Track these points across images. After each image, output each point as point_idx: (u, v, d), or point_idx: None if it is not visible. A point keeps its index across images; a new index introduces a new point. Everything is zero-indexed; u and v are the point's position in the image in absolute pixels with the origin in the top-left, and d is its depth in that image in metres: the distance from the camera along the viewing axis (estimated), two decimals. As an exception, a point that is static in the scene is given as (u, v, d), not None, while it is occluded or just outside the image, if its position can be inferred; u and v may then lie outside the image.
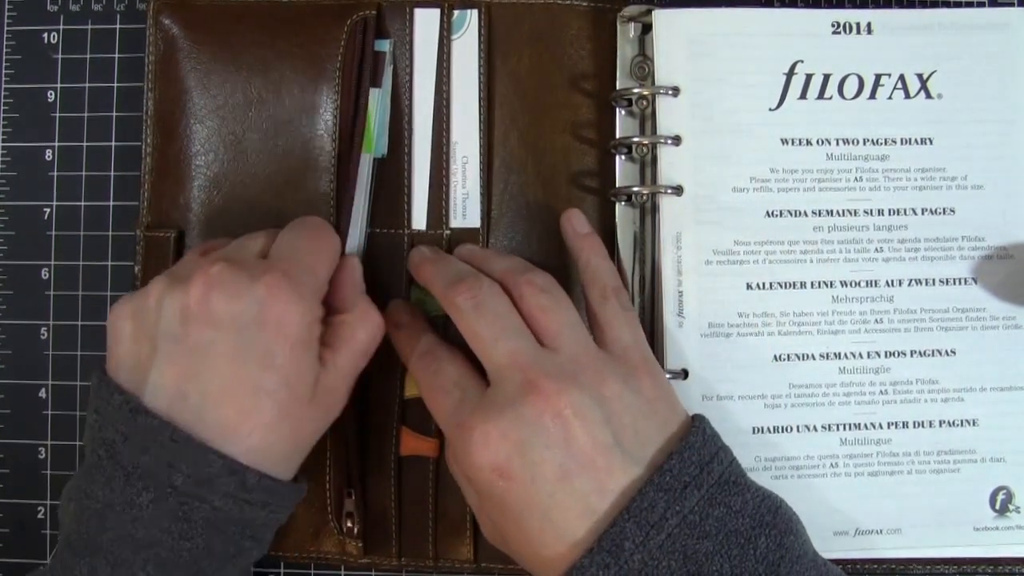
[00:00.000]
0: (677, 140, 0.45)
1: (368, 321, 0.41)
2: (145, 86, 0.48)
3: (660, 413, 0.38)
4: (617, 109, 0.47)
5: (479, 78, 0.47)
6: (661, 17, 0.46)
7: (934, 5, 0.49)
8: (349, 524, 0.45)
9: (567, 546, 0.35)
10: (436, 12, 0.47)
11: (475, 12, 0.47)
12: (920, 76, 0.46)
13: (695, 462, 0.36)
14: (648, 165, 0.46)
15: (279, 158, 0.47)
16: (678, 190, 0.45)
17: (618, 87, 0.47)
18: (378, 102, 0.45)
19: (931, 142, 0.46)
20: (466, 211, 0.47)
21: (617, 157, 0.47)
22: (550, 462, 0.36)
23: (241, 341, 0.36)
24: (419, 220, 0.47)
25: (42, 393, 0.50)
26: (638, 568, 0.34)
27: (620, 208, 0.46)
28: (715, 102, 0.46)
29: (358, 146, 0.45)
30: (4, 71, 0.51)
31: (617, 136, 0.47)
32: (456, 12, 0.47)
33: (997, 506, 0.45)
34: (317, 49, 0.47)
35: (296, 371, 0.37)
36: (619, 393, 0.37)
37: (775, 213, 0.45)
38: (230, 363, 0.36)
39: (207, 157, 0.47)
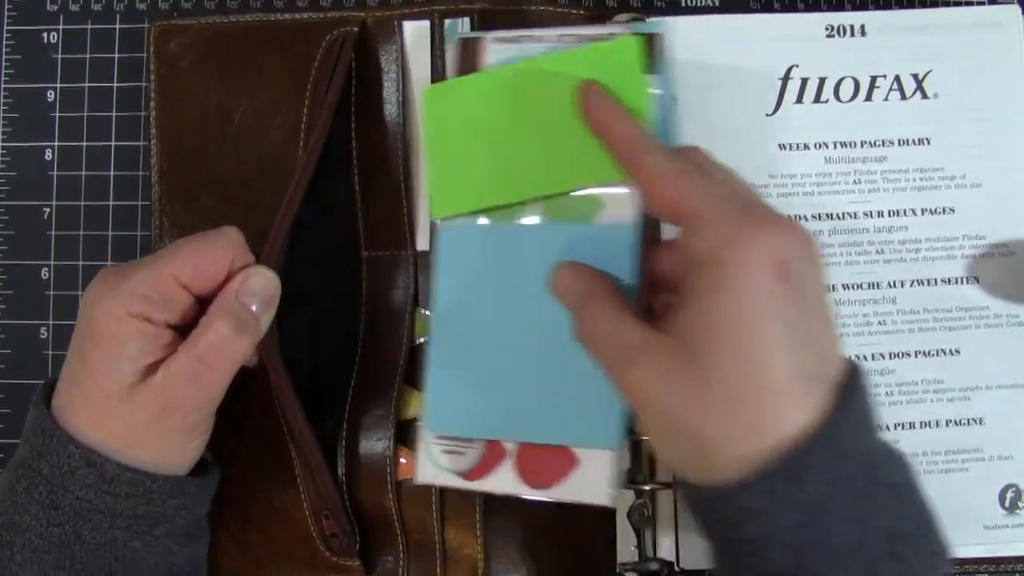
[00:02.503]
0: (675, 148, 0.45)
1: (210, 329, 0.37)
2: (149, 113, 0.48)
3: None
4: (613, 118, 0.47)
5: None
6: (656, 26, 0.46)
7: (929, 5, 0.50)
8: (336, 544, 0.45)
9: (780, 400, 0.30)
10: (426, 24, 0.47)
11: (467, 20, 0.47)
12: (916, 76, 0.46)
13: (868, 403, 0.33)
14: (647, 174, 0.46)
15: (273, 180, 0.46)
16: (678, 198, 0.45)
17: (614, 96, 0.47)
18: (657, 87, 0.39)
19: (929, 142, 0.46)
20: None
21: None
22: (815, 291, 0.32)
23: (74, 336, 0.38)
24: (423, 240, 0.47)
25: (42, 393, 0.50)
26: (813, 505, 0.30)
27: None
28: (711, 109, 0.46)
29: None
30: (4, 71, 0.51)
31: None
32: (447, 21, 0.47)
33: (1007, 504, 0.45)
34: (298, 68, 0.47)
35: (102, 366, 0.37)
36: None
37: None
38: (69, 357, 0.38)
39: (206, 178, 0.47)
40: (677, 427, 0.32)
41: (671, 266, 0.38)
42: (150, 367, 0.37)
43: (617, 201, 0.39)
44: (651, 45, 0.39)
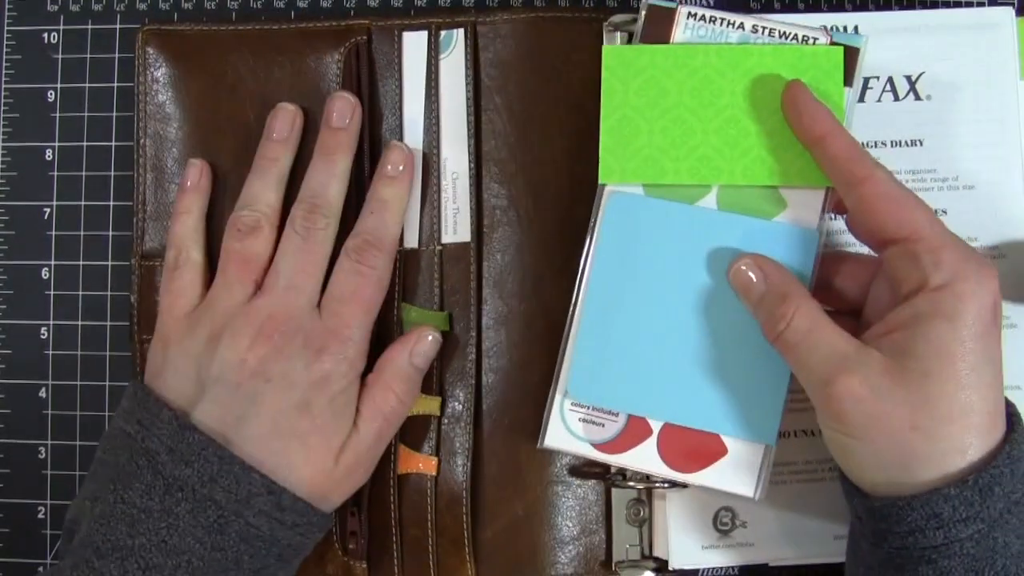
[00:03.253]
0: (668, 150, 0.45)
1: (391, 394, 0.42)
2: (135, 116, 0.48)
3: None
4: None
5: (467, 95, 0.47)
6: (648, 27, 0.46)
7: (928, 6, 0.50)
8: (352, 545, 0.45)
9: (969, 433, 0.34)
10: (423, 34, 0.48)
11: (461, 31, 0.47)
12: (909, 78, 0.46)
13: None
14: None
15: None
16: (671, 200, 0.45)
17: (607, 98, 0.47)
18: (849, 100, 0.41)
19: (921, 144, 0.46)
20: (457, 227, 0.47)
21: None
22: (1000, 331, 0.36)
23: (286, 392, 0.40)
24: (411, 239, 0.47)
25: (42, 393, 0.50)
26: (995, 518, 0.34)
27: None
28: (705, 111, 0.46)
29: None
30: (4, 71, 0.52)
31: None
32: (443, 32, 0.48)
33: (997, 505, 0.45)
34: (310, 78, 0.47)
35: (329, 421, 0.40)
36: None
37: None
38: (273, 410, 0.40)
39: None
40: (883, 438, 0.35)
41: (848, 280, 0.41)
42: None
43: (801, 203, 0.41)
44: (850, 58, 0.41)
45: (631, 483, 0.45)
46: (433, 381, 0.46)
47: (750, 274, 0.39)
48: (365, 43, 0.47)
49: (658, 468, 0.41)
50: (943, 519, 0.33)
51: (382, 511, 0.46)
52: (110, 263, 0.51)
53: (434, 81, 0.47)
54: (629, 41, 0.47)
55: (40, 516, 0.50)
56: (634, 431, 0.41)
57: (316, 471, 0.40)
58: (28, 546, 0.50)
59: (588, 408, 0.41)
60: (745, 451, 0.40)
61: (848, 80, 0.41)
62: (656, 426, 0.41)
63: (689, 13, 0.42)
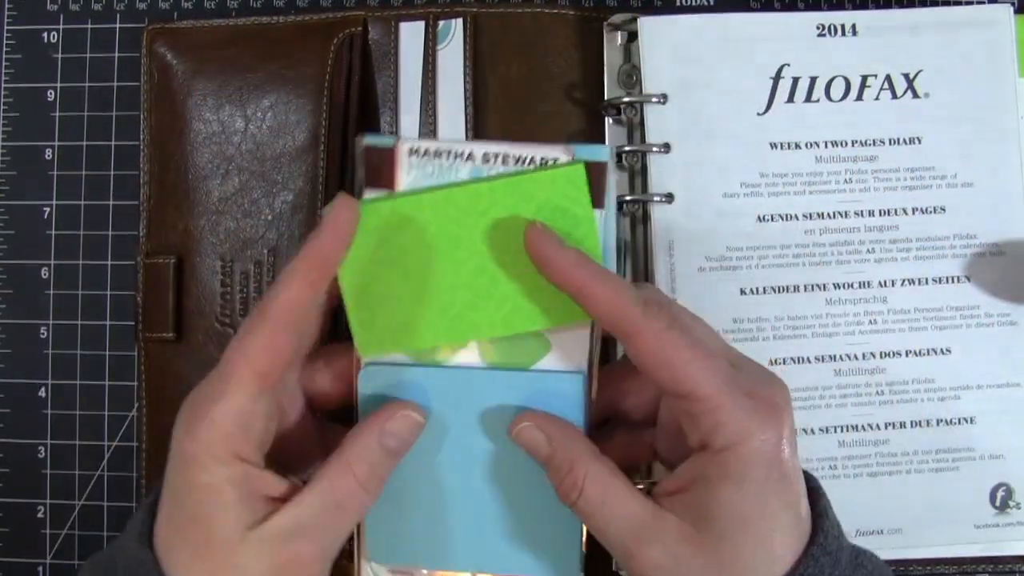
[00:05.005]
0: (667, 148, 0.45)
1: (348, 474, 0.35)
2: (141, 114, 0.48)
3: None
4: (606, 118, 0.47)
5: (464, 86, 0.47)
6: (646, 25, 0.46)
7: (920, 4, 0.50)
8: (349, 547, 0.45)
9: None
10: (421, 24, 0.48)
11: (459, 22, 0.47)
12: (907, 76, 0.46)
13: (837, 525, 0.35)
14: (638, 174, 0.46)
15: (272, 183, 0.47)
16: (669, 198, 0.45)
17: (606, 96, 0.47)
18: (602, 225, 0.36)
19: (920, 141, 0.46)
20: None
21: (607, 166, 0.47)
22: (797, 450, 0.34)
23: (167, 473, 0.34)
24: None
25: (42, 393, 0.50)
26: None
27: (612, 217, 0.46)
28: (703, 109, 0.46)
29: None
30: (4, 71, 0.52)
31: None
32: (441, 23, 0.48)
33: (997, 503, 0.45)
34: (304, 70, 0.47)
35: (203, 516, 0.34)
36: None
37: (766, 218, 0.45)
38: (164, 497, 0.35)
39: (204, 183, 0.47)
40: None
41: (635, 399, 0.38)
42: (259, 513, 0.34)
43: (566, 342, 0.37)
44: (596, 174, 0.35)
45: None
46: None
47: (534, 435, 0.36)
48: (360, 34, 0.47)
49: None
50: None
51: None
52: (110, 263, 0.51)
53: (431, 73, 0.47)
54: (630, 42, 0.47)
55: (40, 515, 0.50)
56: None
57: (207, 569, 0.34)
58: (28, 546, 0.50)
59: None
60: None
61: (596, 201, 0.35)
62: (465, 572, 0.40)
63: (411, 150, 0.37)
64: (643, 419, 0.38)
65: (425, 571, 0.40)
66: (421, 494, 0.39)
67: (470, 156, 0.36)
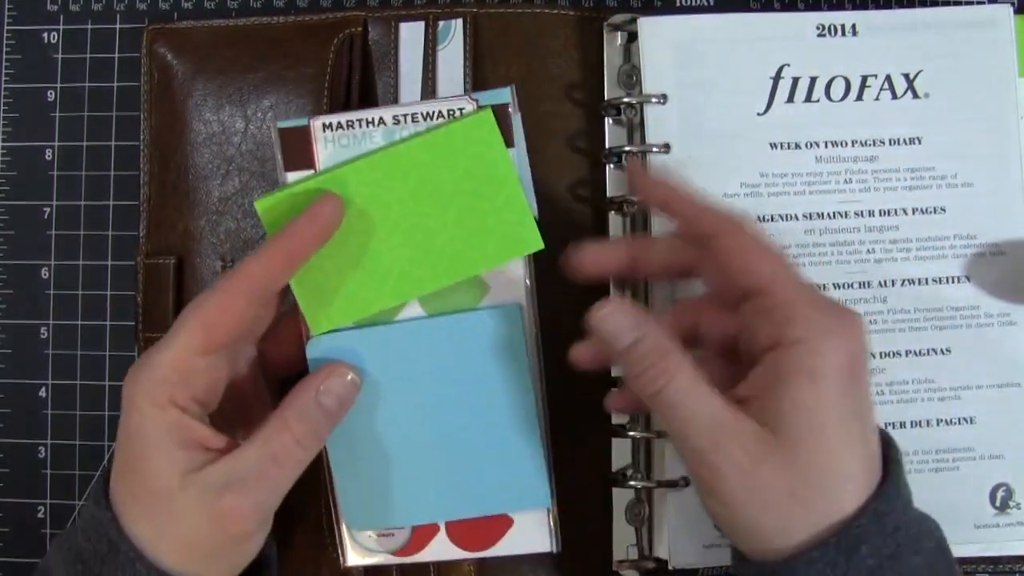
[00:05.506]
0: (666, 148, 0.45)
1: (286, 431, 0.36)
2: (141, 115, 0.48)
3: None
4: (606, 118, 0.47)
5: (464, 87, 0.47)
6: (646, 25, 0.46)
7: (921, 4, 0.50)
8: None
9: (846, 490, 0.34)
10: (421, 24, 0.48)
11: (459, 22, 0.47)
12: (907, 76, 0.46)
13: (905, 476, 0.35)
14: (638, 173, 0.46)
15: (272, 183, 0.47)
16: (669, 197, 0.45)
17: (606, 96, 0.47)
18: (516, 162, 0.39)
19: (920, 141, 0.46)
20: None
21: (607, 166, 0.47)
22: (868, 380, 0.35)
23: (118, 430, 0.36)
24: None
25: (42, 393, 0.51)
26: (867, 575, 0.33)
27: (612, 217, 0.46)
28: (703, 109, 0.46)
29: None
30: (4, 71, 0.52)
31: (607, 145, 0.47)
32: (441, 23, 0.48)
33: (997, 503, 0.45)
34: (304, 70, 0.47)
35: (142, 465, 0.35)
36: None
37: (766, 218, 0.45)
38: (114, 451, 0.36)
39: (205, 183, 0.47)
40: (763, 507, 0.34)
41: (713, 326, 0.39)
42: (196, 462, 0.35)
43: (502, 283, 0.39)
44: (502, 116, 0.38)
45: (631, 483, 0.45)
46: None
47: (620, 320, 0.36)
48: (360, 34, 0.47)
49: (456, 554, 0.42)
50: None
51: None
52: (110, 263, 0.51)
53: (431, 73, 0.47)
54: (630, 42, 0.47)
55: (40, 516, 0.50)
56: (422, 531, 0.42)
57: (152, 519, 0.35)
58: (27, 546, 0.50)
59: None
60: (530, 516, 0.41)
61: (508, 140, 0.38)
62: (441, 521, 0.42)
63: (324, 125, 0.38)
64: (722, 343, 0.38)
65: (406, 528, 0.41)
66: (386, 454, 0.40)
67: (381, 121, 0.38)
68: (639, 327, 0.35)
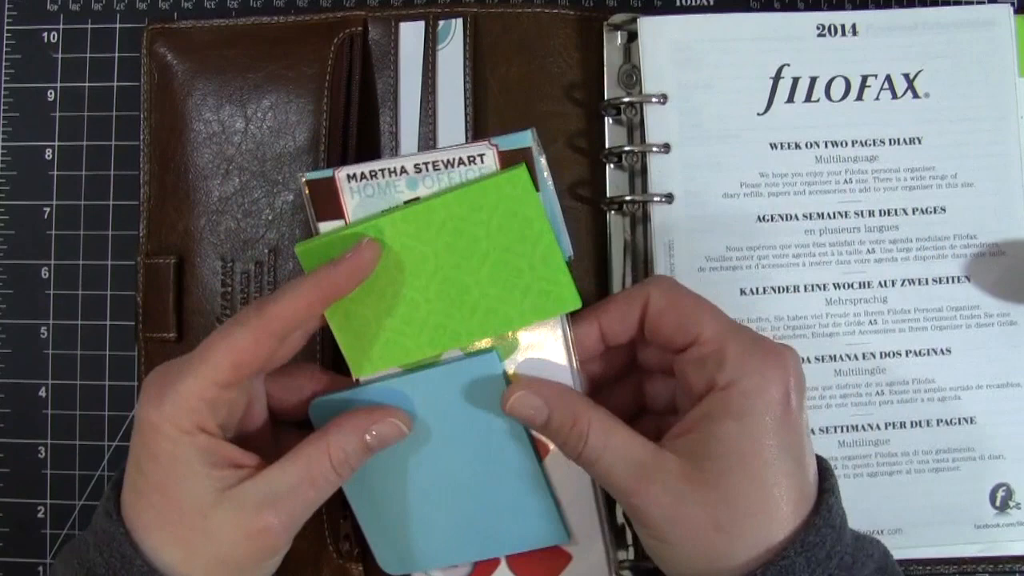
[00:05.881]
0: (666, 148, 0.45)
1: (332, 446, 0.36)
2: (141, 115, 0.48)
3: None
4: (606, 118, 0.47)
5: (464, 86, 0.47)
6: (646, 25, 0.46)
7: (920, 4, 0.50)
8: (347, 546, 0.45)
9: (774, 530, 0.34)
10: (421, 24, 0.48)
11: (459, 21, 0.47)
12: (907, 76, 0.46)
13: (840, 503, 0.36)
14: (638, 174, 0.46)
15: (272, 183, 0.47)
16: (669, 198, 0.45)
17: (606, 96, 0.47)
18: (546, 204, 0.38)
19: (920, 141, 0.46)
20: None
21: (607, 166, 0.47)
22: (804, 414, 0.35)
23: (131, 448, 0.36)
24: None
25: (42, 393, 0.51)
26: None
27: (612, 217, 0.46)
28: (703, 109, 0.46)
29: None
30: (4, 71, 0.52)
31: (607, 145, 0.47)
32: (441, 23, 0.48)
33: (997, 503, 0.45)
34: (304, 70, 0.47)
35: (172, 486, 0.35)
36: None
37: (766, 218, 0.45)
38: (130, 470, 0.36)
39: (205, 183, 0.47)
40: (689, 540, 0.34)
41: (615, 326, 0.39)
42: (229, 480, 0.35)
43: (535, 339, 0.39)
44: (527, 161, 0.38)
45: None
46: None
47: (530, 401, 0.37)
48: (359, 34, 0.47)
49: None
50: None
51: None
52: (110, 263, 0.51)
53: (431, 73, 0.47)
54: (630, 42, 0.47)
55: (40, 515, 0.50)
56: (482, 566, 0.42)
57: (176, 537, 0.36)
58: (28, 546, 0.50)
59: None
60: (588, 551, 0.41)
61: (535, 183, 0.38)
62: (502, 555, 0.42)
63: (348, 176, 0.38)
64: (624, 338, 0.39)
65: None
66: (405, 499, 0.40)
67: (403, 170, 0.38)
68: (546, 404, 0.37)
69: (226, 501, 0.35)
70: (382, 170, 0.38)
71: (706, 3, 0.51)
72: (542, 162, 0.38)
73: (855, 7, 0.51)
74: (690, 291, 0.37)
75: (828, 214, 0.46)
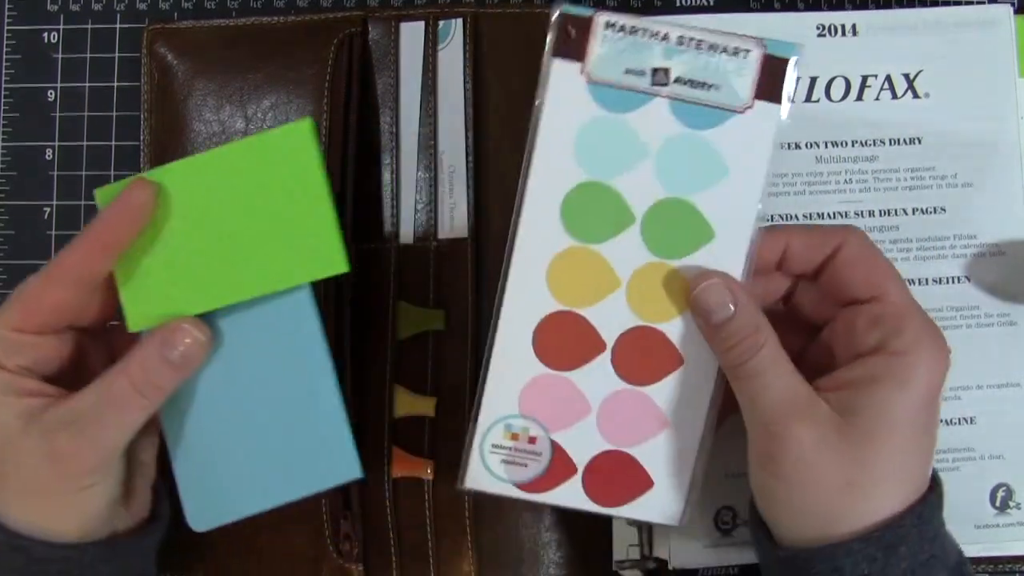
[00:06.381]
0: (666, 147, 0.45)
1: (122, 375, 0.36)
2: (141, 115, 0.48)
3: None
4: (606, 118, 0.47)
5: (464, 86, 0.47)
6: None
7: (921, 4, 0.50)
8: (347, 547, 0.45)
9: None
10: (421, 24, 0.48)
11: (459, 22, 0.48)
12: (907, 76, 0.46)
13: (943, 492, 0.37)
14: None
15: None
16: (668, 197, 0.45)
17: (606, 96, 0.47)
18: (776, 123, 0.37)
19: (920, 141, 0.46)
20: (454, 222, 0.47)
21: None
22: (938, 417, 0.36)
23: None
24: (407, 234, 0.47)
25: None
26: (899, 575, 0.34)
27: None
28: (703, 108, 0.46)
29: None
30: (4, 71, 0.52)
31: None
32: (441, 23, 0.48)
33: (997, 503, 0.45)
34: (304, 70, 0.47)
35: None
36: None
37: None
38: None
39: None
40: (817, 489, 0.35)
41: (812, 305, 0.39)
42: (36, 408, 0.36)
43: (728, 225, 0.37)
44: (775, 68, 0.36)
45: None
46: (427, 380, 0.46)
47: (718, 296, 0.36)
48: (359, 35, 0.47)
49: (585, 504, 0.39)
50: (844, 573, 0.34)
51: (378, 514, 0.46)
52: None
53: (431, 73, 0.47)
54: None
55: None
56: (558, 469, 0.39)
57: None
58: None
59: (510, 449, 0.39)
60: (671, 483, 0.39)
61: (773, 95, 0.36)
62: (581, 464, 0.39)
63: (607, 23, 0.37)
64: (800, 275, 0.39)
65: (543, 453, 0.39)
66: (214, 444, 0.39)
67: (666, 37, 0.36)
68: (735, 303, 0.36)
69: (31, 427, 0.35)
70: (644, 29, 0.36)
71: (706, 3, 0.51)
72: (792, 78, 0.36)
73: (855, 7, 0.51)
74: (875, 246, 0.37)
75: (828, 214, 0.46)
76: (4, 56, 0.52)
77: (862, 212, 0.46)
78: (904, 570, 0.34)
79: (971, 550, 0.45)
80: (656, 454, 0.39)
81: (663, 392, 0.38)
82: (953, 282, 0.46)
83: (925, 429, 0.35)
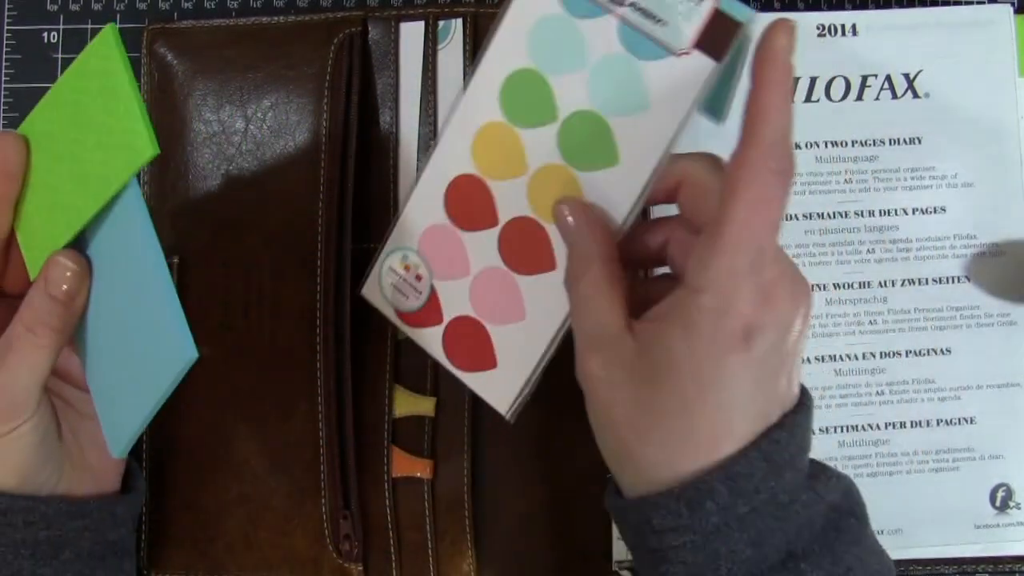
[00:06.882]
0: (666, 148, 0.45)
1: (18, 322, 0.37)
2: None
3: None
4: (606, 118, 0.47)
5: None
6: (646, 25, 0.46)
7: (920, 4, 0.50)
8: (347, 547, 0.45)
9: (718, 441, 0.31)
10: (421, 24, 0.48)
11: (459, 22, 0.47)
12: (907, 76, 0.46)
13: (797, 443, 0.32)
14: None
15: (272, 180, 0.47)
16: (668, 198, 0.45)
17: (606, 96, 0.47)
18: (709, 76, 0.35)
19: (920, 141, 0.46)
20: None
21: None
22: (774, 361, 0.32)
23: None
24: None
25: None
26: (710, 530, 0.31)
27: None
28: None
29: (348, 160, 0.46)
30: (4, 71, 0.52)
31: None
32: (441, 23, 0.48)
33: (997, 503, 0.45)
34: (305, 70, 0.47)
35: None
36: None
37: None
38: None
39: (205, 183, 0.47)
40: (608, 428, 0.33)
41: (661, 245, 0.37)
42: None
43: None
44: (725, 27, 0.35)
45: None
46: (427, 380, 0.46)
47: (565, 222, 0.36)
48: (359, 34, 0.47)
49: (439, 355, 0.41)
50: (654, 526, 0.32)
51: (378, 514, 0.46)
52: (110, 263, 0.51)
53: (431, 73, 0.47)
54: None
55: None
56: (429, 313, 0.41)
57: None
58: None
59: (401, 277, 0.42)
60: (509, 373, 0.40)
61: (718, 53, 0.35)
62: (447, 317, 0.41)
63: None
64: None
65: (423, 292, 0.41)
66: (105, 370, 0.39)
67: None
68: (574, 231, 0.36)
69: None
70: None
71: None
72: (742, 43, 0.35)
73: (855, 7, 0.51)
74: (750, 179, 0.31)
75: (828, 214, 0.46)
76: (4, 56, 0.52)
77: (862, 212, 0.46)
78: (716, 524, 0.31)
79: (971, 550, 0.46)
80: (506, 340, 0.39)
81: (531, 287, 0.38)
82: (953, 282, 0.46)
83: (716, 381, 0.31)
